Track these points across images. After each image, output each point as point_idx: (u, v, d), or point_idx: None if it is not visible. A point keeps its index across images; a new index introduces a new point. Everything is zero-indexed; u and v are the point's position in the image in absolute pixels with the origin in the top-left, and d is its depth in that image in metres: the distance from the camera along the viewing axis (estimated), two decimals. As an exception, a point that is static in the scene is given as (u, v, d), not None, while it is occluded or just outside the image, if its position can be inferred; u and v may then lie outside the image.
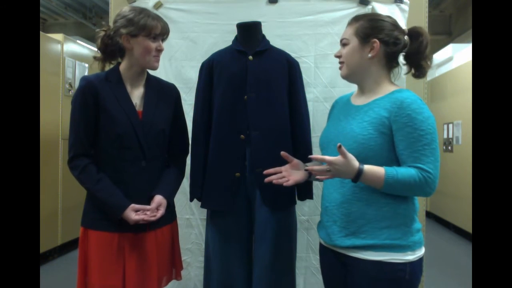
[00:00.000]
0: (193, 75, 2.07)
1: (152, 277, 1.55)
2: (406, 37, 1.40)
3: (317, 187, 1.94)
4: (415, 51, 1.39)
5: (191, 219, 2.20)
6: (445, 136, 5.56)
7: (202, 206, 1.84)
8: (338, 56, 1.45)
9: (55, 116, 3.94)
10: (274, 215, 1.75)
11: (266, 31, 1.90)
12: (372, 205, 1.32)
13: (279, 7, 2.17)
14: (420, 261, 1.33)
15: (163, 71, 2.06)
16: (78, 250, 1.57)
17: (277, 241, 1.74)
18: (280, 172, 1.54)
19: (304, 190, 1.83)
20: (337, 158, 1.24)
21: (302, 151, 1.73)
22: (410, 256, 1.30)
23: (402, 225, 1.31)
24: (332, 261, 1.42)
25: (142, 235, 1.55)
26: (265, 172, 1.54)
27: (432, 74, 6.32)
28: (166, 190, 1.59)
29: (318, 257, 1.56)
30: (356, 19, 1.42)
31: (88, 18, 8.96)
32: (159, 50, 1.55)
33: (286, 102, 1.81)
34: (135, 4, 2.06)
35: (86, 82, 1.52)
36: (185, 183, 1.85)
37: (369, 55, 1.37)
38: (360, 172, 1.25)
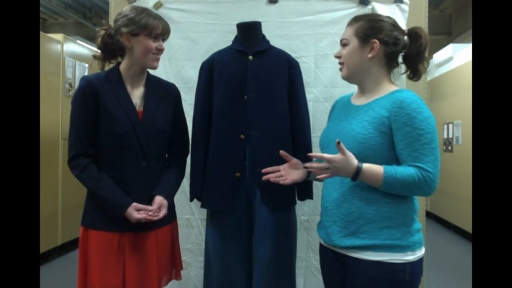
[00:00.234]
0: (193, 75, 2.07)
1: (152, 277, 1.55)
2: (406, 38, 1.40)
3: (317, 187, 1.94)
4: (415, 53, 1.40)
5: (191, 219, 2.20)
6: (445, 136, 5.56)
7: (202, 206, 1.84)
8: (338, 57, 1.45)
9: (55, 116, 3.94)
10: (274, 215, 1.75)
11: (266, 31, 1.90)
12: (372, 205, 1.32)
13: (279, 7, 2.17)
14: (420, 261, 1.33)
15: (163, 71, 2.06)
16: (78, 250, 1.57)
17: (277, 241, 1.74)
18: (279, 171, 1.54)
19: (304, 190, 1.83)
20: (336, 156, 1.25)
21: (302, 151, 1.73)
22: (410, 257, 1.30)
23: (402, 225, 1.31)
24: (332, 261, 1.42)
25: (142, 235, 1.55)
26: (263, 171, 1.54)
27: (432, 74, 6.32)
28: (166, 190, 1.59)
29: (318, 257, 1.56)
30: (356, 19, 1.42)
31: (88, 18, 8.96)
32: (160, 50, 1.56)
33: (286, 102, 1.81)
34: (135, 4, 2.06)
35: (86, 82, 1.52)
36: (185, 183, 1.85)
37: (369, 55, 1.37)
38: (358, 170, 1.25)
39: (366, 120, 1.33)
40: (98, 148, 1.54)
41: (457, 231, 5.16)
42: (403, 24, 2.08)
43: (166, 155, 1.69)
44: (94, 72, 1.61)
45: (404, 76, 1.49)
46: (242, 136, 1.75)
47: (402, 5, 2.15)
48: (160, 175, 1.61)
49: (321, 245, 1.49)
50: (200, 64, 1.89)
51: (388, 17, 1.44)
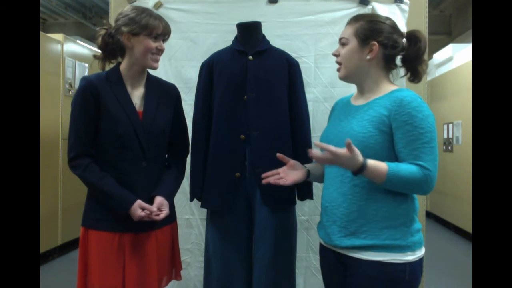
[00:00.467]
0: (193, 75, 2.07)
1: (152, 277, 1.55)
2: (404, 40, 1.40)
3: (317, 187, 1.94)
4: (414, 56, 1.40)
5: (191, 219, 2.20)
6: (445, 136, 5.56)
7: (202, 206, 1.84)
8: (336, 55, 1.44)
9: (55, 116, 3.94)
10: (274, 215, 1.75)
11: (266, 31, 1.90)
12: (372, 205, 1.31)
13: (279, 7, 2.17)
14: (420, 261, 1.33)
15: (163, 71, 2.06)
16: (79, 250, 1.56)
17: (277, 241, 1.74)
18: (278, 174, 1.54)
19: (304, 190, 1.83)
20: (343, 151, 1.22)
21: (302, 151, 1.73)
22: (410, 257, 1.30)
23: (402, 225, 1.31)
24: (332, 261, 1.42)
25: (143, 235, 1.55)
26: (263, 175, 1.54)
27: (432, 74, 6.32)
28: (166, 190, 1.59)
29: (318, 257, 1.56)
30: (356, 19, 1.42)
31: (88, 18, 8.96)
32: (160, 50, 1.56)
33: (286, 102, 1.81)
34: (136, 4, 2.06)
35: (87, 82, 1.52)
36: (185, 183, 1.85)
37: (368, 57, 1.37)
38: (363, 167, 1.24)
39: (366, 119, 1.33)
40: (98, 149, 1.54)
41: (457, 231, 5.16)
42: (403, 24, 2.08)
43: (166, 156, 1.69)
44: (94, 72, 1.61)
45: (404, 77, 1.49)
46: (242, 136, 1.75)
47: (402, 5, 2.15)
48: (160, 176, 1.61)
49: (321, 245, 1.49)
50: (200, 64, 1.89)
51: (388, 18, 1.44)
